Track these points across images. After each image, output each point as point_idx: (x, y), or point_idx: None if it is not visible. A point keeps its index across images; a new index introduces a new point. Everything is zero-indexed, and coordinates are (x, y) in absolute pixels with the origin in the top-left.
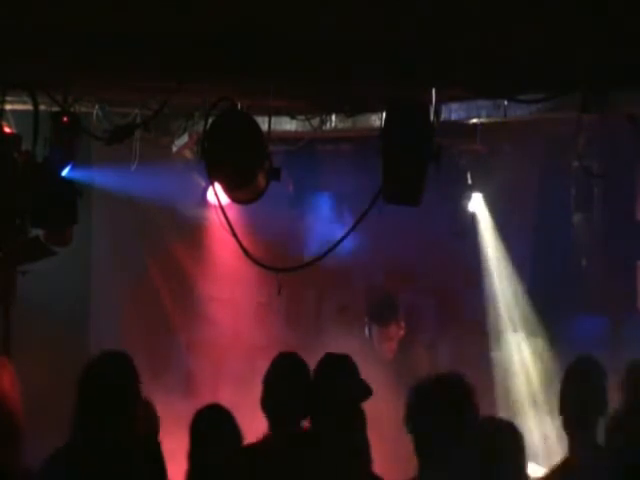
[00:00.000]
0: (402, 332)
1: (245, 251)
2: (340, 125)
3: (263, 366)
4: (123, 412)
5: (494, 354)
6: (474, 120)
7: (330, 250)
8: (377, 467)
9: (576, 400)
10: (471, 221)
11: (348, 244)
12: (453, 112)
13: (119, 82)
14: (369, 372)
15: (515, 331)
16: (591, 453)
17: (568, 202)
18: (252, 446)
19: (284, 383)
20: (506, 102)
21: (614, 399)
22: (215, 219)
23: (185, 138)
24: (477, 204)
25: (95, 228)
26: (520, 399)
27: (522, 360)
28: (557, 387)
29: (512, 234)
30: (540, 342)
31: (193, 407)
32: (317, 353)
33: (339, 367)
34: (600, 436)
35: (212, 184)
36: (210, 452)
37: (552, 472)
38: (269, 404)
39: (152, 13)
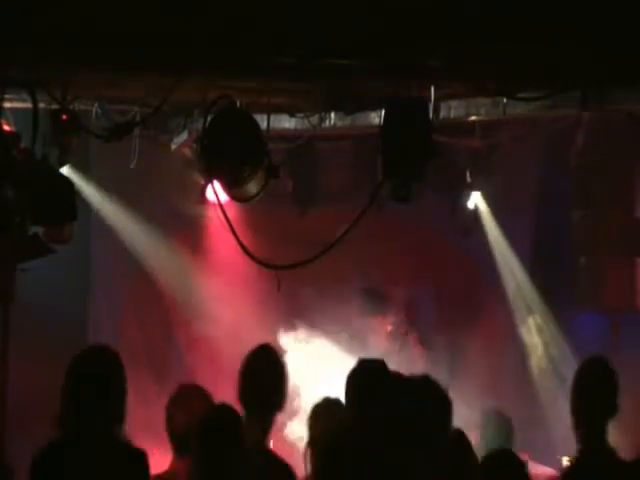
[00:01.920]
0: (390, 326)
1: (244, 248)
2: (339, 123)
3: None
4: (107, 405)
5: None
6: (473, 118)
7: (329, 248)
8: None
9: (588, 401)
10: (470, 218)
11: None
12: (452, 110)
13: (118, 80)
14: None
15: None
16: (599, 455)
17: (568, 199)
18: None
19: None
20: (505, 100)
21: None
22: (214, 216)
23: (184, 136)
24: (476, 201)
25: (94, 226)
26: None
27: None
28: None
29: (511, 231)
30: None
31: None
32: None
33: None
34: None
35: (211, 182)
36: (219, 453)
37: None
38: None
39: (152, 12)
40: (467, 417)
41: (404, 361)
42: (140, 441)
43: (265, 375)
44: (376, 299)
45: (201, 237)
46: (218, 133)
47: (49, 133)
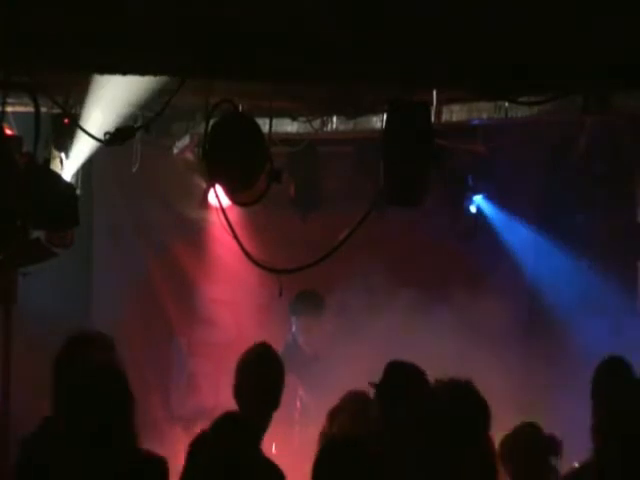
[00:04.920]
0: (319, 328)
1: (246, 253)
2: (341, 127)
3: None
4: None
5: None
6: (475, 121)
7: (332, 252)
8: None
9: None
10: (473, 222)
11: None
12: (454, 113)
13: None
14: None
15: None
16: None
17: (569, 203)
18: None
19: None
20: (507, 104)
21: None
22: (216, 221)
23: (186, 140)
24: (478, 205)
25: (96, 230)
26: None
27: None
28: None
29: (513, 235)
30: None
31: (194, 408)
32: None
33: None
34: None
35: (213, 186)
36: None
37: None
38: None
39: (152, 13)
40: None
41: None
42: (142, 440)
43: (262, 374)
44: (308, 299)
45: (203, 241)
46: (220, 137)
47: (51, 137)
